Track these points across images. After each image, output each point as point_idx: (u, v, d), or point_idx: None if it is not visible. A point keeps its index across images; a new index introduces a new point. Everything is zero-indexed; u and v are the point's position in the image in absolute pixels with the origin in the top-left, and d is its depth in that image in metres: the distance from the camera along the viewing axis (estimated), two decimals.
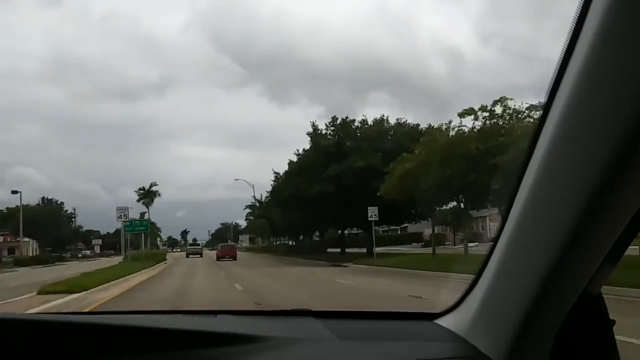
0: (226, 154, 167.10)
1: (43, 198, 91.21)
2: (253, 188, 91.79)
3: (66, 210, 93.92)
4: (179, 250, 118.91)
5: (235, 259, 47.28)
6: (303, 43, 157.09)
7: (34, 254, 79.95)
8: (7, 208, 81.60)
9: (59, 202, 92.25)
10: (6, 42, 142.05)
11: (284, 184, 41.39)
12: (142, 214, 71.11)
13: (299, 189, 36.90)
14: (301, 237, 67.12)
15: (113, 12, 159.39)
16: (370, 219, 33.66)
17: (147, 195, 72.63)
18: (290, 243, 74.50)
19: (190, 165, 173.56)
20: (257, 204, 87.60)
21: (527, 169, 1.11)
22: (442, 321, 1.68)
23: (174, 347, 1.33)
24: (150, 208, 73.78)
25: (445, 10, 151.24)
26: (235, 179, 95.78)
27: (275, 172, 45.12)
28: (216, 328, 1.58)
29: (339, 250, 45.81)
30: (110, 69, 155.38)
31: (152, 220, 71.53)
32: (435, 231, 67.81)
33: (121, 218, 33.75)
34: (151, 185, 76.19)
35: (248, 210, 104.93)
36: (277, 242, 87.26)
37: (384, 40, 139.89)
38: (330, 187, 34.75)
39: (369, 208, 33.51)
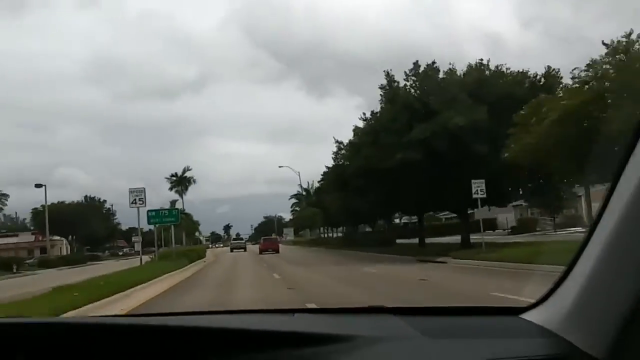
0: (266, 149, 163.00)
1: (86, 196, 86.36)
2: (299, 176, 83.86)
3: (108, 209, 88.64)
4: (221, 245, 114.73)
5: (277, 251, 46.12)
6: (338, 34, 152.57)
7: (67, 253, 74.48)
8: (42, 205, 75.99)
9: (101, 200, 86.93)
10: (48, 45, 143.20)
11: (351, 155, 31.81)
12: (173, 202, 62.62)
13: (371, 161, 27.46)
14: (360, 225, 58.03)
15: (149, 12, 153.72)
16: (475, 195, 24.21)
17: (181, 182, 64.05)
18: (342, 234, 65.99)
19: (230, 161, 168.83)
20: (304, 193, 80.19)
21: None
22: (528, 316, 1.60)
23: (261, 347, 1.35)
24: (186, 200, 65.52)
25: None
26: (279, 166, 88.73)
27: (337, 142, 35.02)
28: (297, 327, 1.61)
29: (407, 240, 38.23)
30: (149, 68, 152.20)
31: (186, 211, 62.77)
32: (521, 215, 58.61)
33: (135, 203, 24.61)
34: (184, 171, 67.82)
35: (293, 201, 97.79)
36: (327, 234, 78.87)
37: (420, 28, 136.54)
38: (417, 155, 25.23)
39: (473, 182, 24.15)
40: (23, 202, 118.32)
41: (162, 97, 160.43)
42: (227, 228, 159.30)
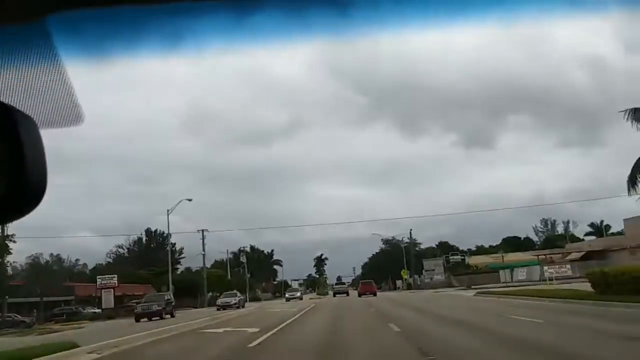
0: (363, 192, 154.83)
1: None
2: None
3: None
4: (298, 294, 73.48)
5: (375, 294, 50.34)
6: (428, 68, 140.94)
7: None
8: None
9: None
10: (148, 99, 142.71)
11: None
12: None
13: None
14: None
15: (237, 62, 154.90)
16: None
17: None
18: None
19: (328, 205, 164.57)
20: None
21: None
22: None
23: None
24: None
25: (581, 17, 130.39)
26: (372, 233, 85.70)
27: None
28: None
29: None
30: (241, 116, 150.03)
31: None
32: None
33: None
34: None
35: None
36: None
37: (516, 56, 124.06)
38: None
39: None
40: None
41: (256, 144, 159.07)
42: (319, 264, 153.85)
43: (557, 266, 61.25)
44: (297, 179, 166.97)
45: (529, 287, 32.92)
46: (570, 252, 69.31)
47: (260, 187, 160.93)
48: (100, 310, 53.88)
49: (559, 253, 71.81)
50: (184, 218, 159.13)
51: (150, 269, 79.66)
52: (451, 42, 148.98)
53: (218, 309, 44.24)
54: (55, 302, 57.44)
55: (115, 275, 56.08)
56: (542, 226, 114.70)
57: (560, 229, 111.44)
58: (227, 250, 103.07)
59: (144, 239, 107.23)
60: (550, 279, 55.43)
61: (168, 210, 57.10)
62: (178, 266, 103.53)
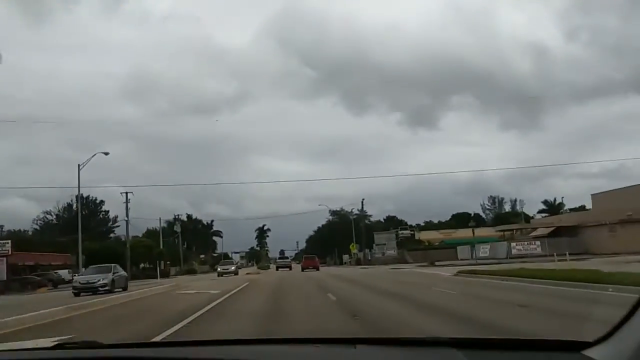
0: (307, 167, 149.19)
1: None
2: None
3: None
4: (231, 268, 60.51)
5: (317, 269, 53.00)
6: (377, 47, 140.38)
7: None
8: None
9: None
10: (87, 63, 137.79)
11: None
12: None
13: None
14: None
15: (183, 28, 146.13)
16: None
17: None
18: None
19: (270, 178, 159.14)
20: None
21: None
22: (591, 352, 1.52)
23: None
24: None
25: (525, 5, 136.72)
26: (319, 205, 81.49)
27: None
28: None
29: None
30: (185, 85, 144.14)
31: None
32: None
33: None
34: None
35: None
36: None
37: (462, 40, 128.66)
38: None
39: None
40: None
41: (200, 114, 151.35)
42: (261, 236, 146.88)
43: (524, 242, 55.37)
44: (242, 152, 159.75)
45: (530, 266, 25.64)
46: (537, 228, 63.58)
47: (205, 158, 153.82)
48: None
49: (525, 228, 66.10)
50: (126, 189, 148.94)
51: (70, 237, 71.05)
52: (400, 21, 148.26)
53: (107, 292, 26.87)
54: None
55: (9, 241, 46.14)
56: (489, 204, 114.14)
57: (507, 207, 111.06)
58: (160, 219, 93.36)
59: (74, 206, 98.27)
60: (518, 257, 49.73)
61: (79, 165, 47.42)
62: (111, 235, 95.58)
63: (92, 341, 2.21)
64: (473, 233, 49.52)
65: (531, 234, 62.75)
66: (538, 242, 53.65)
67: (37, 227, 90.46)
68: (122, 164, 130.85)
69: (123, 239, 79.29)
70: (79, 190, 47.46)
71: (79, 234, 48.45)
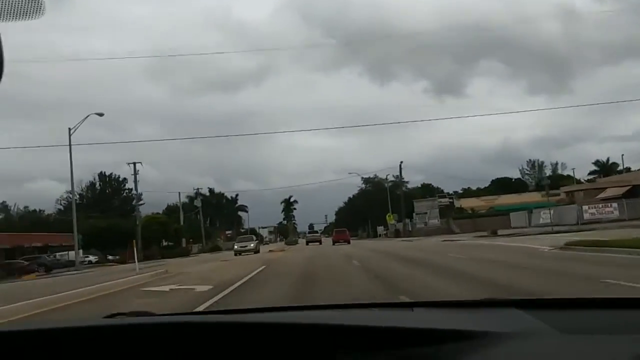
0: (333, 140, 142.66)
1: None
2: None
3: None
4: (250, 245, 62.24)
5: (349, 242, 54.21)
6: (400, 14, 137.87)
7: None
8: None
9: None
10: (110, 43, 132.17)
11: None
12: None
13: None
14: None
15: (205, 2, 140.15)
16: None
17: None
18: None
19: (297, 153, 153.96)
20: None
21: None
22: None
23: (382, 346, 1.30)
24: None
25: None
26: (349, 173, 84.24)
27: None
28: (422, 324, 1.48)
29: None
30: (208, 61, 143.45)
31: None
32: None
33: None
34: None
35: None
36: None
37: (488, 4, 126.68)
38: None
39: None
40: None
41: (224, 90, 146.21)
42: (287, 209, 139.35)
43: (599, 205, 46.77)
44: (268, 127, 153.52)
45: None
46: (605, 188, 54.69)
47: (227, 134, 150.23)
48: None
49: (592, 189, 57.21)
50: (153, 167, 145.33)
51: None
52: None
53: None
54: None
55: None
56: (528, 168, 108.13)
57: (548, 172, 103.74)
58: (179, 193, 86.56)
59: (97, 184, 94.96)
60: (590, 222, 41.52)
61: (70, 129, 40.44)
62: (135, 214, 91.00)
63: (143, 311, 2.02)
64: (547, 195, 40.88)
65: (598, 196, 54.04)
66: (615, 204, 45.03)
67: (61, 207, 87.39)
68: (148, 144, 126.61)
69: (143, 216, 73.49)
70: (70, 158, 40.33)
71: (73, 213, 41.91)
